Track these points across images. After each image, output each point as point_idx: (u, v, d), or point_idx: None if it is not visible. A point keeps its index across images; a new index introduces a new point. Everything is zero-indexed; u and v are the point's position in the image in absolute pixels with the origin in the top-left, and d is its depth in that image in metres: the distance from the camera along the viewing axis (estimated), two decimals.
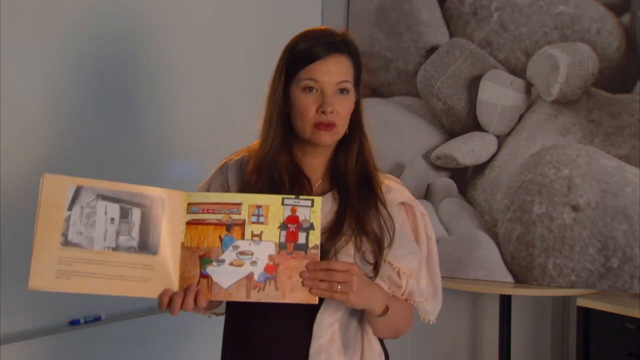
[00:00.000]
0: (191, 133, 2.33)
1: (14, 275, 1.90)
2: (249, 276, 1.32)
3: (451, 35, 2.69)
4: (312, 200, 1.34)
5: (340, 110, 1.41)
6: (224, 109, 2.39)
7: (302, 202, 1.33)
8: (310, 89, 1.41)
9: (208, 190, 1.52)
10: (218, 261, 1.32)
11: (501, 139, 2.60)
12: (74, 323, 2.06)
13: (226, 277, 1.32)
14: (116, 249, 1.30)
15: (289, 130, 1.45)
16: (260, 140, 1.47)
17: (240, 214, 1.33)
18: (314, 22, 2.64)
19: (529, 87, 2.56)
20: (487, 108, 2.60)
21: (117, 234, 1.30)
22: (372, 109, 2.68)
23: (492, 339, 2.81)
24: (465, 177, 2.66)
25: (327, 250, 1.39)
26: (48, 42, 2.01)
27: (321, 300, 1.37)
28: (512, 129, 2.58)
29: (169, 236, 1.32)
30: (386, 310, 1.39)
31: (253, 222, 1.32)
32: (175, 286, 1.32)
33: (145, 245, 1.31)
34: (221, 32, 2.41)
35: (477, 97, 2.62)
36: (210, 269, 1.32)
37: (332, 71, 1.41)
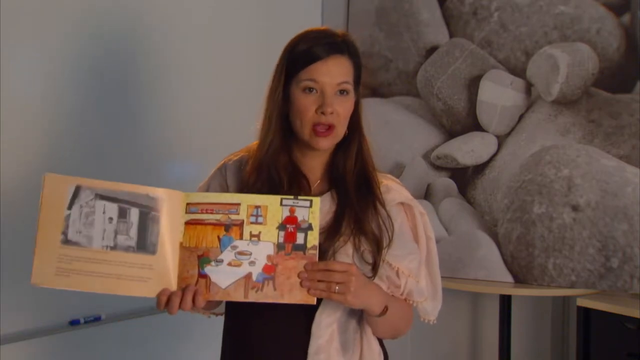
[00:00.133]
0: (191, 133, 2.33)
1: (14, 275, 1.90)
2: (248, 276, 1.32)
3: (451, 35, 2.69)
4: (311, 201, 1.34)
5: (340, 111, 1.41)
6: (224, 109, 2.39)
7: (301, 203, 1.33)
8: (310, 89, 1.41)
9: (207, 190, 1.52)
10: (216, 261, 1.32)
11: (501, 139, 2.60)
12: (74, 323, 2.06)
13: (224, 277, 1.32)
14: (114, 248, 1.31)
15: (288, 131, 1.45)
16: (259, 140, 1.47)
17: (238, 214, 1.33)
18: (314, 22, 2.64)
19: (529, 87, 2.56)
20: (487, 108, 2.60)
21: (116, 233, 1.31)
22: (372, 109, 2.68)
23: (492, 339, 2.81)
24: (465, 177, 2.66)
25: (325, 250, 1.39)
26: (48, 42, 2.01)
27: (319, 300, 1.37)
28: (512, 129, 2.58)
29: (168, 236, 1.33)
30: (385, 310, 1.39)
31: (251, 223, 1.33)
32: (173, 286, 1.32)
33: (144, 245, 1.32)
34: (221, 32, 2.41)
35: (477, 97, 2.62)
36: (209, 269, 1.32)
37: (333, 72, 1.41)
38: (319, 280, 1.31)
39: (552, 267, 2.44)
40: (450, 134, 2.68)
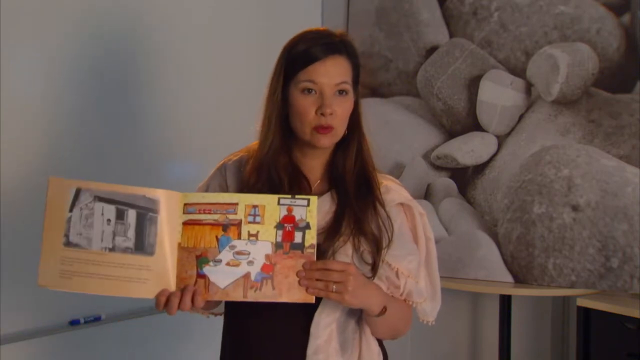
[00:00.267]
0: (191, 133, 2.33)
1: (14, 275, 1.90)
2: (246, 276, 1.32)
3: (451, 35, 2.69)
4: (308, 200, 1.34)
5: (339, 112, 1.41)
6: (224, 109, 2.39)
7: (298, 202, 1.34)
8: (309, 90, 1.41)
9: (207, 190, 1.52)
10: (215, 261, 1.32)
11: (501, 139, 2.60)
12: (74, 323, 2.06)
13: (223, 277, 1.32)
14: (113, 249, 1.32)
15: (288, 131, 1.45)
16: (259, 141, 1.47)
17: (236, 214, 1.33)
18: (314, 22, 2.64)
19: (529, 87, 2.56)
20: (487, 108, 2.60)
21: (114, 234, 1.32)
22: (372, 109, 2.68)
23: (492, 339, 2.81)
24: (465, 177, 2.66)
25: (325, 250, 1.39)
26: (48, 42, 2.01)
27: (319, 300, 1.38)
28: (512, 129, 2.58)
29: (166, 237, 1.33)
30: (384, 310, 1.39)
31: (249, 222, 1.33)
32: (172, 286, 1.33)
33: (142, 246, 1.32)
34: (221, 32, 2.41)
35: (477, 97, 2.62)
36: (207, 269, 1.32)
37: (331, 72, 1.41)
38: (317, 279, 1.31)
39: (552, 267, 2.44)
40: (450, 134, 2.68)
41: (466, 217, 2.61)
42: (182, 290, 1.32)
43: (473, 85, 2.63)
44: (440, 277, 1.53)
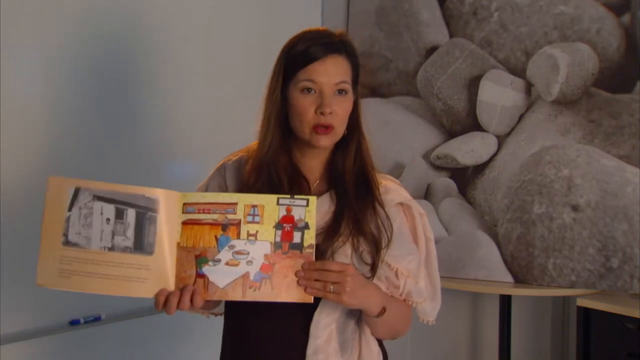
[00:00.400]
0: (191, 133, 2.33)
1: (14, 275, 1.90)
2: (245, 275, 1.32)
3: (451, 35, 2.69)
4: (307, 200, 1.34)
5: (339, 111, 1.41)
6: (224, 109, 2.39)
7: (297, 202, 1.34)
8: (308, 90, 1.41)
9: (206, 190, 1.52)
10: (214, 261, 1.33)
11: (501, 139, 2.60)
12: (74, 323, 2.06)
13: (222, 276, 1.32)
14: (112, 249, 1.32)
15: (287, 131, 1.46)
16: (259, 141, 1.47)
17: (235, 213, 1.33)
18: (314, 22, 2.64)
19: (529, 87, 2.56)
20: (487, 108, 2.60)
21: (113, 234, 1.32)
22: (372, 109, 2.68)
23: (492, 339, 2.81)
24: (465, 177, 2.66)
25: (324, 250, 1.39)
26: (48, 42, 2.01)
27: (318, 300, 1.38)
28: (512, 129, 2.58)
29: (165, 236, 1.33)
30: (383, 310, 1.39)
31: (249, 222, 1.33)
32: (171, 286, 1.33)
33: (141, 246, 1.32)
34: (221, 32, 2.41)
35: (477, 97, 2.62)
36: (207, 269, 1.33)
37: (330, 72, 1.41)
38: (315, 280, 1.32)
39: (552, 267, 2.44)
40: (450, 134, 2.68)
41: (466, 217, 2.61)
42: (181, 289, 1.32)
43: (473, 85, 2.63)
44: (440, 277, 1.53)
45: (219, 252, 1.33)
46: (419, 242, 1.48)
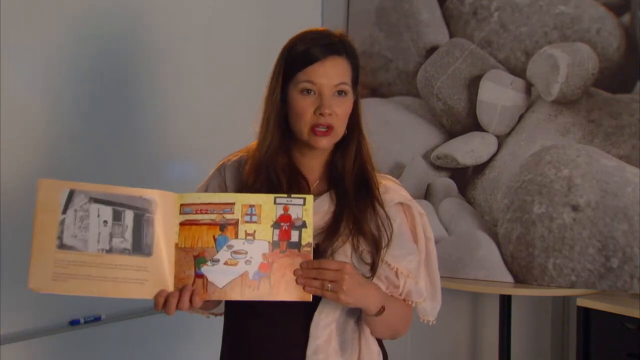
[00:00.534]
0: (191, 133, 2.33)
1: (14, 275, 1.90)
2: (244, 275, 1.32)
3: (451, 35, 2.69)
4: (304, 199, 1.34)
5: (339, 112, 1.41)
6: (224, 109, 2.39)
7: (294, 201, 1.34)
8: (308, 91, 1.41)
9: (206, 190, 1.52)
10: (213, 261, 1.33)
11: (501, 139, 2.60)
12: (74, 323, 2.06)
13: (221, 276, 1.32)
14: (110, 251, 1.31)
15: (287, 132, 1.46)
16: (258, 141, 1.47)
17: (233, 213, 1.33)
18: (314, 22, 2.64)
19: (529, 87, 2.56)
20: (487, 108, 2.60)
21: (111, 236, 1.32)
22: (372, 109, 2.68)
23: (492, 339, 2.81)
24: (465, 177, 2.66)
25: (324, 250, 1.39)
26: (48, 42, 2.01)
27: (318, 300, 1.38)
28: (512, 129, 2.58)
29: (163, 237, 1.33)
30: (382, 310, 1.39)
31: (246, 222, 1.33)
32: (170, 287, 1.33)
33: (139, 247, 1.32)
34: (221, 32, 2.41)
35: (477, 97, 2.62)
36: (205, 269, 1.33)
37: (330, 73, 1.41)
38: (313, 278, 1.32)
39: (552, 267, 2.44)
40: (450, 134, 2.68)
41: (466, 217, 2.61)
42: (180, 290, 1.32)
43: (473, 85, 2.63)
44: (440, 277, 1.53)
45: (217, 252, 1.33)
46: (419, 242, 1.48)
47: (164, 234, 1.33)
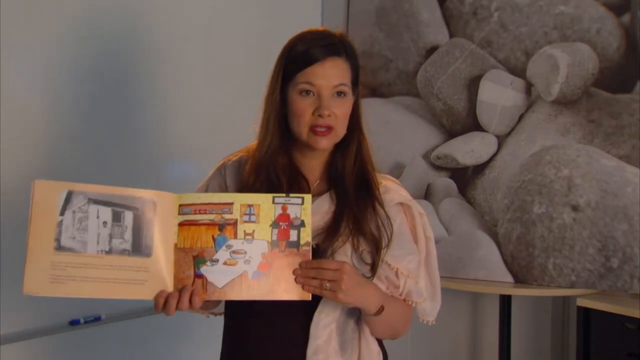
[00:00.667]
0: (191, 133, 2.33)
1: (14, 275, 1.89)
2: (243, 275, 1.32)
3: (451, 35, 2.69)
4: (302, 198, 1.35)
5: (338, 113, 1.41)
6: (224, 109, 2.39)
7: (293, 200, 1.34)
8: (307, 92, 1.41)
9: (206, 190, 1.52)
10: (212, 261, 1.33)
11: (501, 139, 2.60)
12: (74, 323, 2.06)
13: (220, 276, 1.32)
14: (110, 252, 1.31)
15: (287, 132, 1.45)
16: (258, 141, 1.47)
17: (232, 213, 1.34)
18: (314, 22, 2.64)
19: (529, 87, 2.56)
20: (487, 108, 2.60)
21: (110, 237, 1.31)
22: (372, 109, 2.68)
23: (492, 339, 2.81)
24: (465, 177, 2.66)
25: (324, 250, 1.39)
26: (48, 42, 2.01)
27: (318, 300, 1.38)
28: (512, 129, 2.58)
29: (162, 238, 1.32)
30: (381, 309, 1.39)
31: (245, 221, 1.33)
32: (170, 287, 1.33)
33: (139, 248, 1.32)
34: (221, 32, 2.41)
35: (477, 97, 2.62)
36: (205, 269, 1.33)
37: (329, 75, 1.41)
38: (312, 278, 1.32)
39: (552, 267, 2.44)
40: (450, 134, 2.68)
41: (466, 217, 2.61)
42: (180, 290, 1.32)
43: (473, 85, 2.63)
44: (440, 277, 1.53)
45: (216, 252, 1.33)
46: (419, 242, 1.48)
47: (163, 234, 1.33)
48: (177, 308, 1.31)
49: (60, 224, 1.29)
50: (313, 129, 1.40)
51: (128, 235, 1.31)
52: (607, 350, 2.36)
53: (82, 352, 2.08)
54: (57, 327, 2.04)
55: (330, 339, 1.41)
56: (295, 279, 1.32)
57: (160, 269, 1.32)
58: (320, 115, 1.39)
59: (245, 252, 1.33)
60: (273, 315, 1.41)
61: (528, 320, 2.90)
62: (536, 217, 2.47)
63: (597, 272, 2.38)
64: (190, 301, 1.31)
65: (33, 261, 1.28)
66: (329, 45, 1.42)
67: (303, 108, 1.40)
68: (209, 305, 1.52)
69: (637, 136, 2.38)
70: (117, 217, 1.31)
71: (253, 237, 1.33)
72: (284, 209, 1.34)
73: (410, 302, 1.48)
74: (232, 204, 1.34)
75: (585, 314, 2.39)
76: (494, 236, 2.55)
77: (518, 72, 2.57)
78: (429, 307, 1.50)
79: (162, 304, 1.31)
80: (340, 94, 1.42)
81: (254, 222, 1.33)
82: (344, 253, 1.40)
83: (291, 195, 1.35)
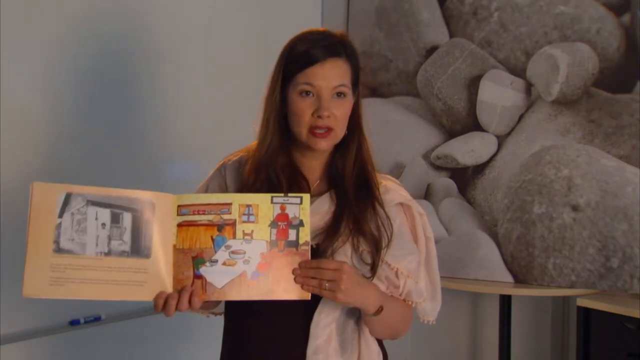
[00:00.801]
0: (191, 133, 2.33)
1: (14, 275, 1.89)
2: (242, 275, 1.33)
3: (451, 35, 2.69)
4: (301, 198, 1.35)
5: (337, 114, 1.41)
6: (224, 109, 2.39)
7: (291, 200, 1.34)
8: (306, 93, 1.41)
9: (206, 191, 1.52)
10: (211, 261, 1.33)
11: (501, 139, 2.60)
12: (74, 323, 2.06)
13: (220, 276, 1.32)
14: (109, 254, 1.31)
15: (287, 132, 1.45)
16: (258, 141, 1.47)
17: (230, 213, 1.34)
18: (314, 22, 2.64)
19: (529, 87, 2.56)
20: (487, 108, 2.60)
21: (109, 239, 1.31)
22: (372, 109, 2.68)
23: (492, 339, 2.81)
24: (465, 177, 2.66)
25: (324, 250, 1.39)
26: (48, 42, 2.01)
27: (318, 300, 1.38)
28: (512, 129, 2.58)
29: (161, 239, 1.32)
30: (381, 309, 1.38)
31: (244, 222, 1.33)
32: (169, 288, 1.33)
33: (138, 249, 1.32)
34: (221, 32, 2.41)
35: (477, 97, 2.62)
36: (204, 270, 1.33)
37: (329, 75, 1.40)
38: (312, 277, 1.32)
39: (552, 267, 2.44)
40: (450, 134, 2.68)
41: (466, 217, 2.61)
42: (180, 291, 1.32)
43: (473, 85, 2.63)
44: (440, 277, 1.53)
45: (215, 252, 1.33)
46: (419, 242, 1.48)
47: (162, 235, 1.32)
48: (176, 309, 1.31)
49: (59, 226, 1.29)
50: (312, 131, 1.40)
51: (127, 236, 1.31)
52: (607, 350, 2.36)
53: (82, 352, 2.08)
54: (57, 327, 2.04)
55: (330, 338, 1.41)
56: (295, 279, 1.33)
57: (160, 270, 1.32)
58: (319, 116, 1.39)
59: (244, 252, 1.33)
60: (273, 315, 1.41)
61: (528, 320, 2.90)
62: (536, 217, 2.47)
63: (597, 272, 2.38)
64: (189, 302, 1.31)
65: (32, 264, 1.28)
66: (329, 46, 1.42)
67: (303, 109, 1.40)
68: (208, 306, 1.52)
69: (637, 136, 2.38)
70: (115, 219, 1.31)
71: (252, 237, 1.33)
72: (283, 208, 1.34)
73: (410, 302, 1.48)
74: (230, 204, 1.34)
75: (585, 314, 2.39)
76: (494, 236, 2.55)
77: (518, 72, 2.57)
78: (429, 307, 1.50)
79: (161, 305, 1.31)
80: (340, 94, 1.42)
81: (252, 222, 1.33)
82: (344, 253, 1.40)
83: (289, 195, 1.35)
